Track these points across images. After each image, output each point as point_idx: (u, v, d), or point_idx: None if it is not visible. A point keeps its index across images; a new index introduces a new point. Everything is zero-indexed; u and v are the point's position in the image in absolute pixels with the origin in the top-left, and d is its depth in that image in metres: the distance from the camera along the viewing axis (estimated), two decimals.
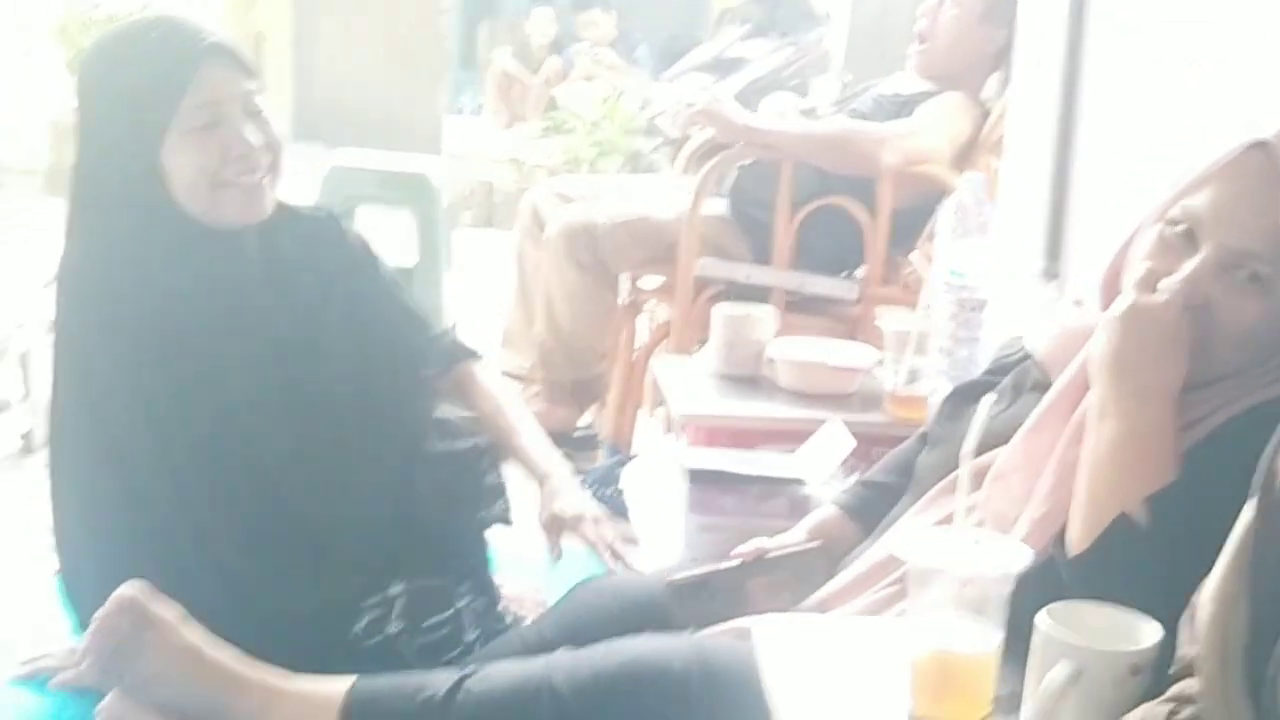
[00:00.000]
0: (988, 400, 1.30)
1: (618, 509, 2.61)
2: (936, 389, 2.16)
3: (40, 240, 4.00)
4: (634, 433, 2.95)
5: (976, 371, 2.24)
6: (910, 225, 2.79)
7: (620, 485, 2.65)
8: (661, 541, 1.98)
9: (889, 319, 2.17)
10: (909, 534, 1.49)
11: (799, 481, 1.91)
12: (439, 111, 7.17)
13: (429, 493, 1.68)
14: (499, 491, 1.79)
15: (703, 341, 2.86)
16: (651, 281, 2.94)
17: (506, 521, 1.79)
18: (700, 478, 1.91)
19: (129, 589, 1.41)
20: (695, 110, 2.82)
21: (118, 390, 1.59)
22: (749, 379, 2.32)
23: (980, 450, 1.32)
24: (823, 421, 2.06)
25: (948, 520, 1.43)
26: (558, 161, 6.13)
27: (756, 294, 2.76)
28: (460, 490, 1.72)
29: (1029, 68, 2.27)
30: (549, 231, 2.87)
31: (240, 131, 1.63)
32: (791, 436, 2.10)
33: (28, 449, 2.99)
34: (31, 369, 3.00)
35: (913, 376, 2.14)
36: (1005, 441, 1.41)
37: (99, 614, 1.40)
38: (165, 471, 1.60)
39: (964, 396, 1.60)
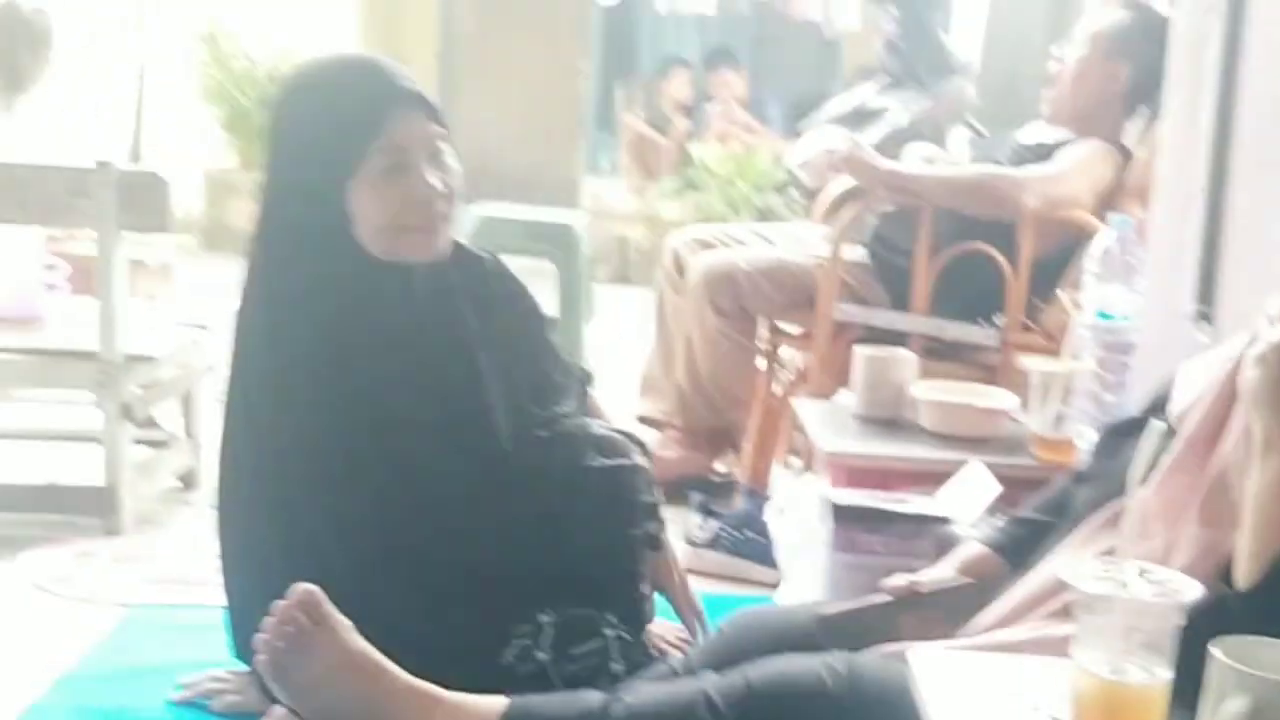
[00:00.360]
0: (1156, 428, 1.29)
1: (756, 553, 2.64)
2: (1083, 433, 2.15)
3: (197, 291, 4.20)
4: (771, 476, 2.96)
5: (1124, 415, 2.23)
6: (1051, 272, 2.77)
7: (758, 528, 2.68)
8: (805, 579, 1.99)
9: (1035, 363, 2.15)
10: (1069, 564, 1.49)
11: (945, 521, 1.91)
12: (576, 170, 7.32)
13: (586, 510, 1.72)
14: (652, 511, 1.81)
15: (841, 386, 2.88)
16: (789, 327, 2.96)
17: (655, 546, 1.81)
18: (846, 516, 1.91)
19: (309, 586, 1.47)
20: (836, 157, 2.84)
21: (292, 430, 1.65)
22: (889, 421, 2.33)
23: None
24: (965, 463, 2.06)
25: (1106, 555, 1.42)
26: (691, 217, 6.19)
27: (894, 340, 2.76)
28: (615, 507, 1.75)
29: (1178, 107, 2.25)
30: (690, 277, 2.91)
31: (425, 176, 1.69)
32: (934, 478, 2.09)
33: (188, 487, 3.12)
34: (193, 410, 3.14)
35: (1059, 420, 2.12)
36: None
37: (280, 604, 1.45)
38: (331, 508, 1.67)
39: (1120, 433, 1.59)
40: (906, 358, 2.36)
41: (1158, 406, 1.61)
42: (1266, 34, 1.97)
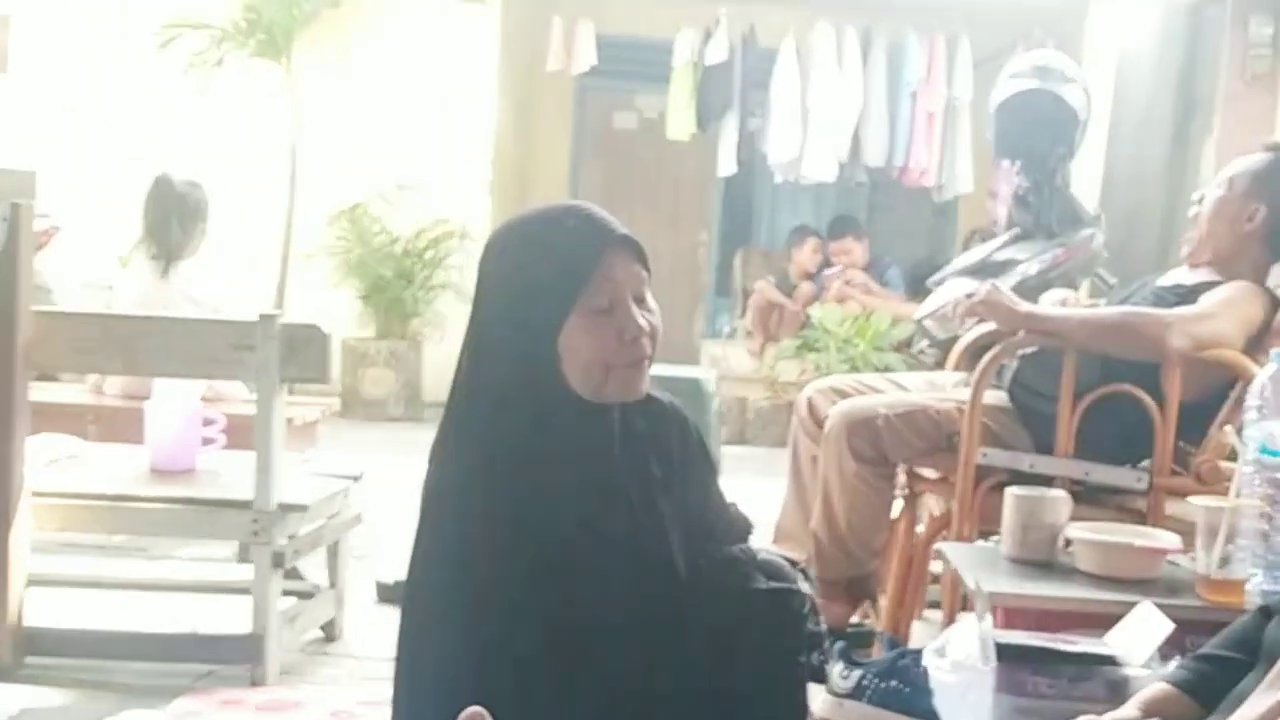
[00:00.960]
0: None
1: (900, 702, 2.56)
2: (1253, 574, 2.09)
3: (338, 451, 4.30)
4: (912, 625, 2.90)
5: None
6: (1200, 415, 2.72)
7: (903, 677, 2.61)
8: None
9: (1200, 501, 2.10)
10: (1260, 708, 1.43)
11: (1115, 662, 1.85)
12: (697, 334, 7.42)
13: (756, 633, 1.70)
14: (818, 641, 1.78)
15: (982, 532, 2.84)
16: (928, 473, 2.93)
17: (821, 678, 1.78)
18: (1011, 655, 1.86)
19: (479, 710, 1.46)
20: (975, 301, 2.84)
21: (490, 565, 1.66)
22: (1043, 563, 2.28)
23: None
24: (1129, 605, 2.00)
25: None
26: (810, 378, 6.22)
27: (1038, 484, 2.72)
28: (783, 632, 1.73)
29: None
30: (829, 423, 2.92)
31: (634, 315, 1.74)
32: (1096, 620, 2.04)
33: (329, 638, 3.15)
34: (339, 561, 3.19)
35: (1226, 560, 2.06)
36: None
37: None
38: (514, 645, 1.66)
39: None
40: (1060, 497, 2.32)
41: None
42: None
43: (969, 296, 2.89)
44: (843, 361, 5.99)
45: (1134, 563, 2.17)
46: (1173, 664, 1.80)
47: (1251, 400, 2.19)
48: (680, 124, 7.21)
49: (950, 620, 2.76)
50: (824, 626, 1.84)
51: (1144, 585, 2.15)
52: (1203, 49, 5.85)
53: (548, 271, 1.71)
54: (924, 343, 3.84)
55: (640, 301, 1.74)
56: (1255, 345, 2.68)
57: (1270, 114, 5.98)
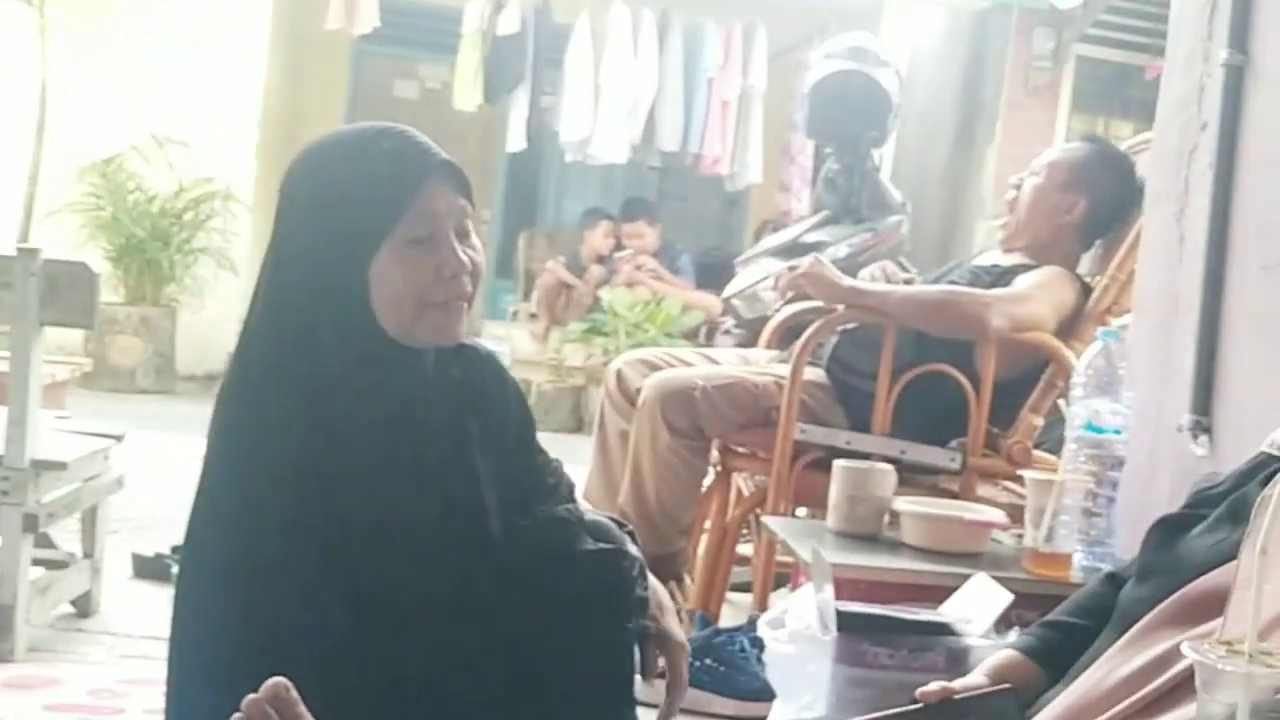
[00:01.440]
0: None
1: (714, 682, 2.49)
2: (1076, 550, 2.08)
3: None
4: (723, 603, 2.82)
5: (1114, 533, 2.16)
6: (1011, 397, 2.74)
7: (716, 655, 2.53)
8: (803, 697, 1.84)
9: (1031, 475, 2.08)
10: (1120, 668, 1.39)
11: (957, 632, 1.79)
12: (477, 315, 7.21)
13: (579, 596, 1.57)
14: (647, 605, 1.66)
15: (796, 508, 2.79)
16: (743, 449, 2.86)
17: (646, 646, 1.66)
18: (852, 625, 1.79)
19: (281, 680, 1.28)
20: (798, 273, 2.79)
21: (280, 511, 1.48)
22: (869, 537, 2.23)
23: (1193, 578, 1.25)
24: (962, 578, 1.97)
25: (1171, 653, 1.34)
26: (597, 362, 6.13)
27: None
28: (611, 597, 1.60)
29: (1160, 223, 2.25)
30: (644, 394, 2.80)
31: (454, 251, 1.58)
32: (926, 594, 2.00)
33: (83, 613, 2.85)
34: (96, 529, 2.88)
35: (1051, 535, 2.04)
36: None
37: (250, 699, 1.26)
38: (311, 597, 1.49)
39: (1173, 527, 1.52)
40: (886, 470, 2.27)
41: (1203, 502, 1.55)
42: (1260, 147, 1.99)
43: (791, 269, 2.83)
44: (632, 346, 5.91)
45: (961, 537, 2.14)
46: (1012, 634, 1.77)
47: (1077, 378, 2.20)
48: (466, 94, 7.00)
49: (763, 600, 2.70)
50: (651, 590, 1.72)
51: (970, 559, 2.12)
52: (987, 56, 6.04)
53: (361, 196, 1.53)
54: (729, 322, 3.79)
55: (462, 236, 1.58)
56: (1067, 330, 2.71)
57: (1050, 124, 6.25)
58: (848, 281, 2.75)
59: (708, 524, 3.00)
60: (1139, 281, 2.31)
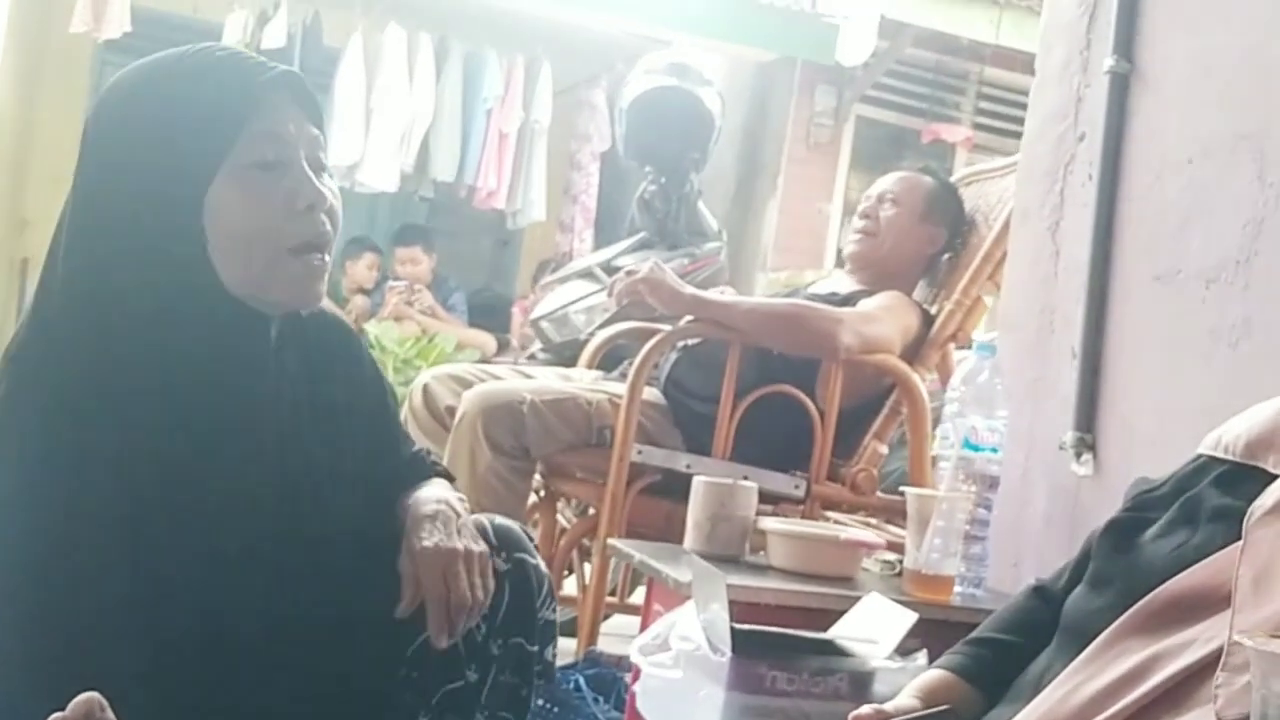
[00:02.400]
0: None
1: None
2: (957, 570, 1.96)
3: None
4: None
5: (988, 552, 2.05)
6: (852, 424, 2.63)
7: (550, 696, 2.29)
8: None
9: (912, 493, 1.95)
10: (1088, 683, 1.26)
11: (860, 655, 1.63)
12: None
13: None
14: (552, 632, 1.45)
15: (636, 535, 2.58)
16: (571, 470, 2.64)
17: (551, 675, 1.44)
18: (748, 647, 1.59)
19: (95, 697, 1.01)
20: (637, 279, 2.60)
21: (72, 542, 1.21)
22: (732, 559, 2.05)
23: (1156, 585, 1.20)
24: (845, 600, 1.81)
25: (1149, 663, 1.22)
26: None
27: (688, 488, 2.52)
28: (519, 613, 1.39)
29: (1026, 242, 2.19)
30: (463, 409, 2.54)
31: (309, 178, 1.31)
32: (804, 618, 1.83)
33: None
34: None
35: (935, 555, 1.91)
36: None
37: (60, 716, 0.99)
38: (123, 589, 1.21)
39: (1123, 532, 1.40)
40: (750, 489, 2.10)
41: (1143, 505, 1.45)
42: (1148, 156, 1.94)
43: (628, 274, 2.65)
44: (401, 384, 5.58)
45: (835, 559, 1.98)
46: (920, 656, 1.63)
47: (951, 393, 2.09)
48: None
49: (592, 635, 2.48)
50: (557, 614, 1.50)
51: (843, 583, 1.97)
52: (770, 111, 6.09)
53: (189, 114, 1.27)
54: (536, 346, 3.56)
55: (318, 170, 1.33)
56: (911, 356, 2.62)
57: (830, 181, 6.34)
58: (691, 290, 2.59)
59: None
60: (1006, 298, 2.24)
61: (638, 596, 3.23)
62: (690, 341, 2.62)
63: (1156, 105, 1.94)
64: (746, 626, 1.63)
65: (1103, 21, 2.07)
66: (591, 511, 2.63)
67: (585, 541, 2.66)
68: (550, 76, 6.50)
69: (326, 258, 1.34)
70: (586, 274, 3.49)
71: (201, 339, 1.29)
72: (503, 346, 6.27)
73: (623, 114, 3.51)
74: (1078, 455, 1.95)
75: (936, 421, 2.61)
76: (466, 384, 2.75)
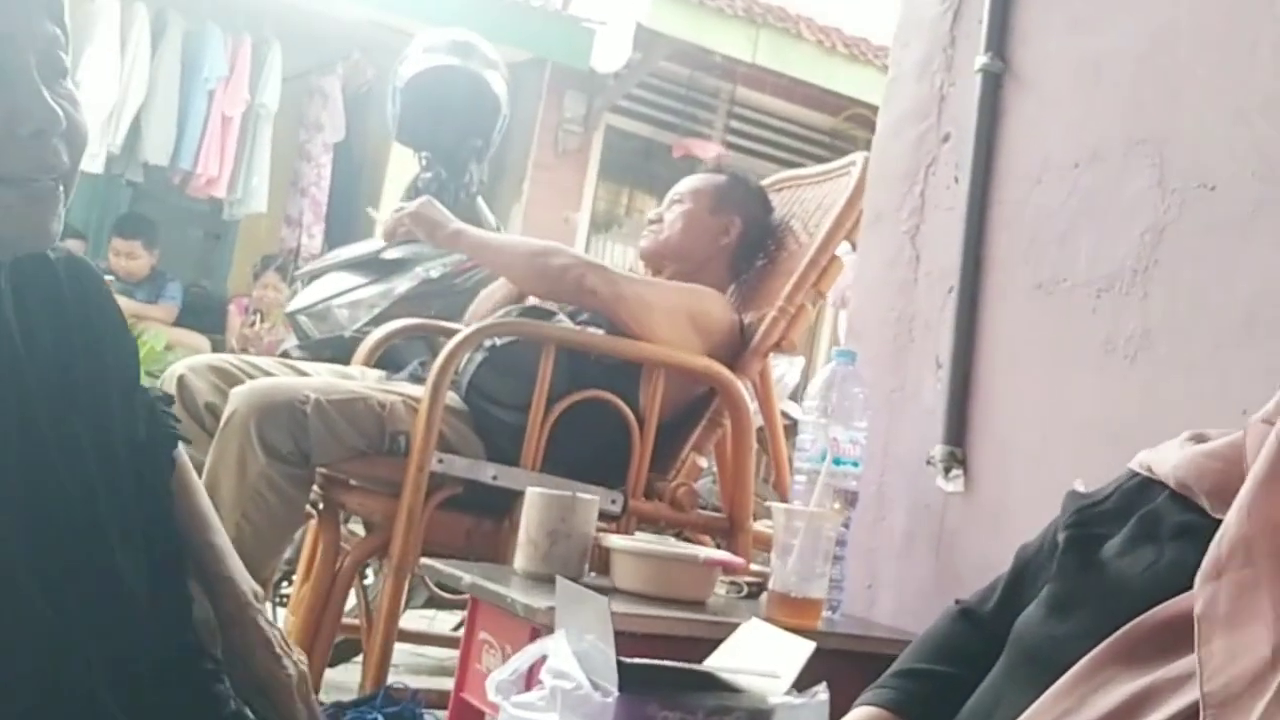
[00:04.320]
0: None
1: None
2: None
3: None
4: (322, 677, 2.26)
5: (845, 573, 1.90)
6: (669, 438, 2.44)
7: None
8: None
9: (780, 508, 1.78)
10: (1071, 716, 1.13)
11: (757, 693, 1.43)
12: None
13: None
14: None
15: (432, 553, 2.31)
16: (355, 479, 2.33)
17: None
18: (634, 684, 1.37)
19: None
20: (406, 213, 2.57)
21: None
22: (570, 580, 1.82)
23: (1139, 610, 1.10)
24: (710, 625, 1.63)
25: (1146, 695, 1.10)
26: None
27: (495, 502, 2.27)
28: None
29: (879, 244, 2.07)
30: (232, 407, 2.19)
31: (39, 91, 1.02)
32: (659, 646, 1.62)
33: None
34: None
35: (803, 576, 1.75)
36: (1179, 593, 1.13)
37: None
38: None
39: (1083, 549, 1.27)
40: (593, 501, 1.88)
41: (1088, 521, 1.32)
42: (1025, 159, 1.85)
43: (397, 210, 2.62)
44: None
45: (691, 580, 1.78)
46: (820, 691, 1.45)
47: (809, 402, 1.94)
48: None
49: (379, 672, 2.18)
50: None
51: (695, 607, 1.77)
52: (516, 114, 5.86)
53: None
54: (291, 341, 3.20)
55: (51, 77, 1.05)
56: (731, 363, 2.45)
57: (578, 188, 6.15)
58: (455, 225, 2.54)
59: (293, 578, 2.42)
60: (857, 304, 2.11)
61: (409, 620, 2.94)
62: (496, 342, 2.37)
63: (1035, 107, 1.85)
64: (632, 660, 1.41)
65: (970, 18, 1.98)
66: (373, 527, 2.33)
67: (375, 561, 2.36)
68: (280, 60, 6.05)
69: (61, 188, 1.06)
70: (351, 265, 3.17)
71: None
72: (216, 348, 5.78)
73: (397, 93, 3.22)
74: (946, 470, 1.83)
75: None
76: (230, 377, 2.40)
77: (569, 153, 6.19)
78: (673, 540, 2.30)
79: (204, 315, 5.93)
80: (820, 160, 7.55)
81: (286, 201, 6.18)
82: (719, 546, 2.40)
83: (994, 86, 1.90)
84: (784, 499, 2.85)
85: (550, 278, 2.39)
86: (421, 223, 2.56)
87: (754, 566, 2.10)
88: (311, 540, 2.41)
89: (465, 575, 1.79)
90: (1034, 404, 1.75)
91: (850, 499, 1.87)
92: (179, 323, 5.74)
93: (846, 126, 7.34)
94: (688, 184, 2.69)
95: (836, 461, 1.85)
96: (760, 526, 2.49)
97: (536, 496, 1.85)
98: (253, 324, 5.65)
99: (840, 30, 6.90)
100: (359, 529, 2.50)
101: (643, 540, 1.87)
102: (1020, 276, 1.81)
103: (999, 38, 1.90)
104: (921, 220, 1.99)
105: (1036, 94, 1.86)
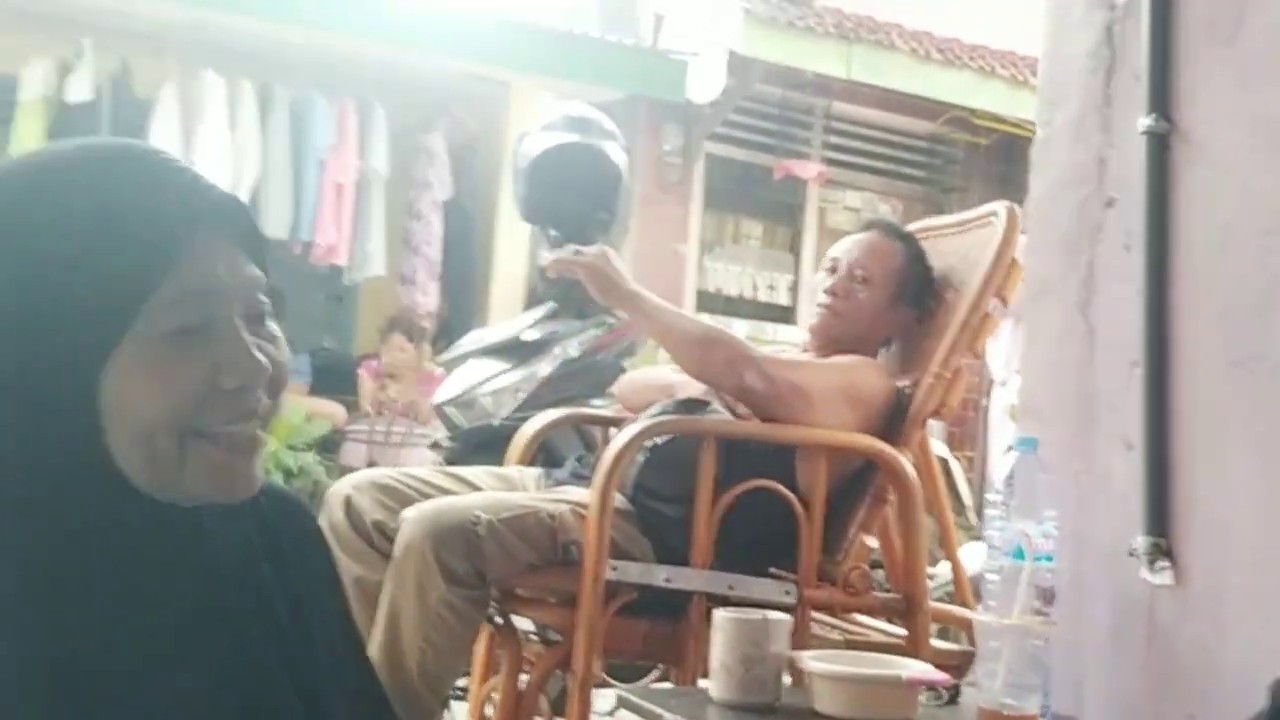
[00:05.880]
0: None
1: None
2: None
3: None
4: None
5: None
6: (830, 516, 2.38)
7: None
8: None
9: (979, 619, 1.72)
10: None
11: None
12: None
13: None
14: None
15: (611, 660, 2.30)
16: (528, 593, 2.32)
17: None
18: None
19: None
20: (582, 260, 2.39)
21: None
22: (766, 707, 1.79)
23: None
24: None
25: None
26: None
27: (670, 602, 2.24)
28: None
29: (1052, 317, 1.99)
30: (406, 533, 2.18)
31: (244, 344, 0.99)
32: None
33: None
34: None
35: (1018, 688, 1.68)
36: None
37: None
38: None
39: None
40: (785, 621, 1.84)
41: None
42: (1203, 225, 1.76)
43: (577, 253, 2.43)
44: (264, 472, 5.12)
45: (897, 701, 1.74)
46: None
47: (993, 496, 1.87)
48: None
49: None
50: None
51: None
52: None
53: (89, 264, 0.94)
54: (439, 434, 3.21)
55: (255, 324, 1.01)
56: (884, 435, 2.39)
57: (684, 219, 6.13)
58: (632, 287, 2.39)
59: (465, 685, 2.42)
60: (1027, 383, 2.04)
61: None
62: (658, 440, 2.33)
63: (1207, 169, 1.76)
64: None
65: (1124, 75, 1.89)
66: (548, 637, 2.32)
67: (561, 672, 2.34)
68: (384, 122, 6.11)
69: (261, 433, 1.02)
70: (490, 351, 3.17)
71: (91, 547, 0.97)
72: (351, 410, 5.86)
73: (521, 175, 3.21)
74: (1151, 562, 1.75)
75: None
76: (396, 494, 2.39)
77: (672, 185, 6.16)
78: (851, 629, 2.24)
79: (334, 379, 6.01)
80: (922, 168, 7.48)
81: (401, 261, 6.25)
82: (894, 623, 2.35)
83: (1160, 149, 1.81)
84: (950, 558, 2.79)
85: (711, 373, 2.35)
86: (596, 277, 2.39)
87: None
88: (485, 644, 2.41)
89: (666, 714, 1.76)
90: (1246, 489, 1.66)
91: (1048, 596, 1.80)
92: (311, 391, 5.83)
93: (945, 130, 7.20)
94: (869, 255, 2.53)
95: (1039, 558, 1.78)
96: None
97: (727, 622, 1.82)
98: (383, 387, 5.72)
99: (931, 34, 6.75)
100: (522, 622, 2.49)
101: (837, 660, 1.81)
102: (1212, 352, 1.72)
103: (1162, 97, 1.82)
104: (1093, 291, 1.91)
105: (1208, 156, 1.77)
